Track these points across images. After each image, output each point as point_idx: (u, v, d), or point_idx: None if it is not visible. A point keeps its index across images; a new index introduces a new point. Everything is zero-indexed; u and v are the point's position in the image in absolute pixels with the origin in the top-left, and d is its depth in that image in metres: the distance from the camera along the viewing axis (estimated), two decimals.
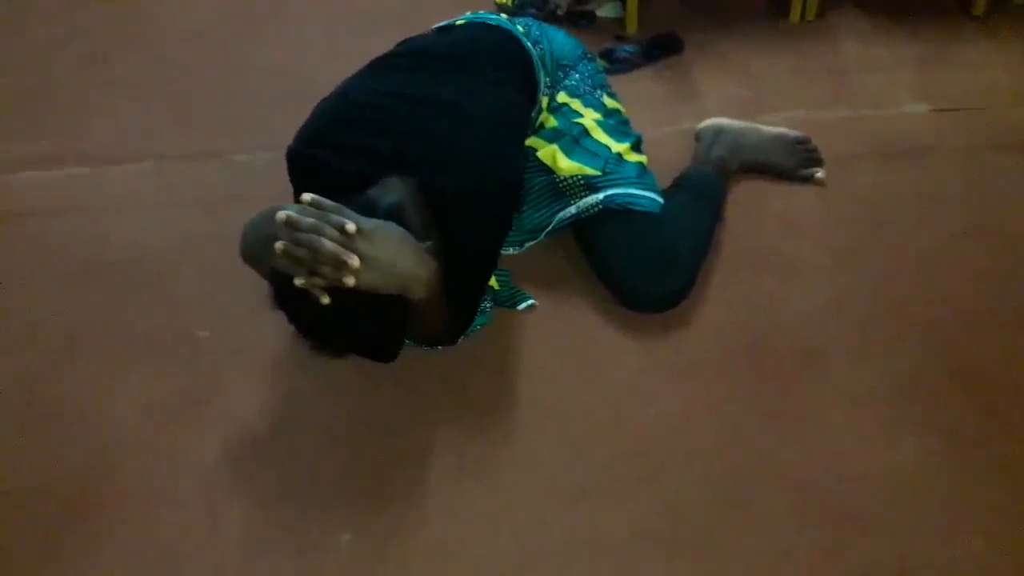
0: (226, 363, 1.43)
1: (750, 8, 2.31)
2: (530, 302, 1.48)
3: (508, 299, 1.48)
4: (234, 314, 1.49)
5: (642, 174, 1.51)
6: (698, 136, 1.76)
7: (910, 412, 1.32)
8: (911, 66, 2.08)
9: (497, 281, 1.48)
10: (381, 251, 1.06)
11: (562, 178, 1.48)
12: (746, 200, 1.70)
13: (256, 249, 1.11)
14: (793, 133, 1.75)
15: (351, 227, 1.04)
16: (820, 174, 1.72)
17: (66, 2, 2.46)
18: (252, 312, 1.45)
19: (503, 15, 1.60)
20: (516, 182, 1.35)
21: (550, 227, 1.51)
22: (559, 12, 2.24)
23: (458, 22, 1.57)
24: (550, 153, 1.49)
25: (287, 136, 1.36)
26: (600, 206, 1.45)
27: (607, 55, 2.08)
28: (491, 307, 1.45)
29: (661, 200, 1.49)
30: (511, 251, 1.55)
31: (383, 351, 1.24)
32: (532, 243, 1.54)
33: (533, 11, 2.26)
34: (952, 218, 1.65)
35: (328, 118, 1.33)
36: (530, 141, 1.53)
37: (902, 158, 1.81)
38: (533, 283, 1.53)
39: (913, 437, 1.29)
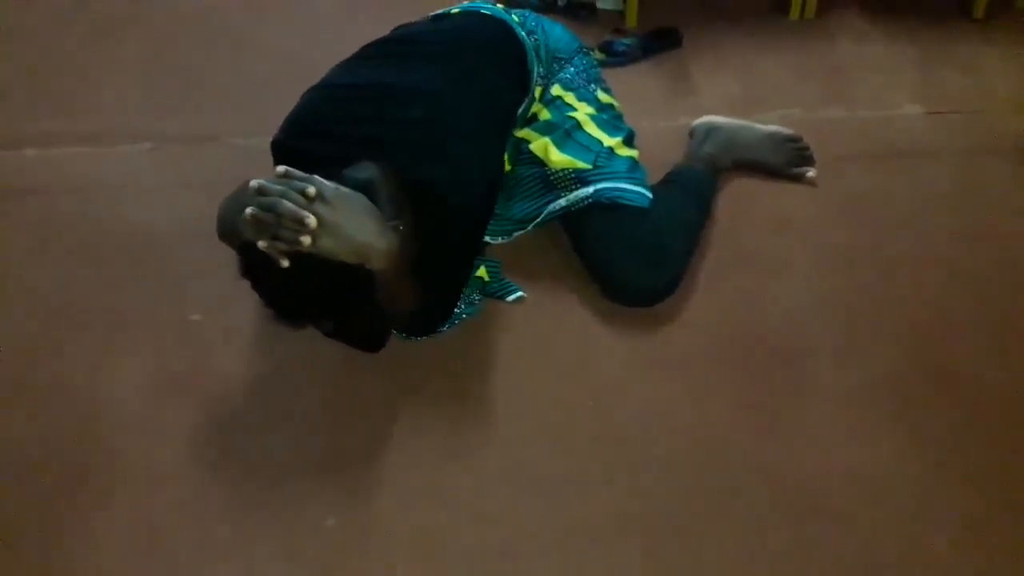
0: (216, 346, 1.45)
1: (749, 4, 2.31)
2: (519, 294, 1.50)
3: (497, 290, 1.50)
4: (226, 297, 1.51)
5: (633, 169, 1.53)
6: (691, 133, 1.78)
7: (887, 412, 1.35)
8: (909, 67, 2.09)
9: (487, 272, 1.50)
10: (340, 217, 1.09)
11: (553, 171, 1.50)
12: (737, 198, 1.72)
13: (229, 222, 1.15)
14: (786, 131, 1.76)
15: (311, 190, 1.07)
16: (811, 173, 1.73)
17: None
18: (244, 296, 1.47)
19: (499, 4, 1.61)
20: (495, 172, 1.37)
21: (539, 218, 1.52)
22: (559, 4, 2.25)
23: (453, 10, 1.58)
24: (542, 146, 1.51)
25: None
26: (590, 199, 1.47)
27: (605, 48, 2.09)
28: (479, 299, 1.47)
29: (650, 195, 1.51)
30: (499, 240, 1.56)
31: (366, 335, 1.26)
32: (520, 233, 1.56)
33: (534, 2, 2.26)
34: (942, 221, 1.67)
35: (312, 108, 1.36)
36: (523, 133, 1.54)
37: (896, 159, 1.82)
38: (522, 275, 1.55)
39: (889, 437, 1.31)
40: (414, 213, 1.23)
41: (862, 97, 1.99)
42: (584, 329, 1.47)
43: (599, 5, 2.27)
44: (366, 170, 1.19)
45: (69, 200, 1.76)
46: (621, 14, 2.24)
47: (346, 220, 1.10)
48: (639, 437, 1.31)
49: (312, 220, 1.06)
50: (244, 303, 1.48)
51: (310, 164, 1.18)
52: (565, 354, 1.43)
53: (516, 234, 1.56)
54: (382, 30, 1.61)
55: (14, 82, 2.10)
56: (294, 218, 1.06)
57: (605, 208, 1.46)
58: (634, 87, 2.00)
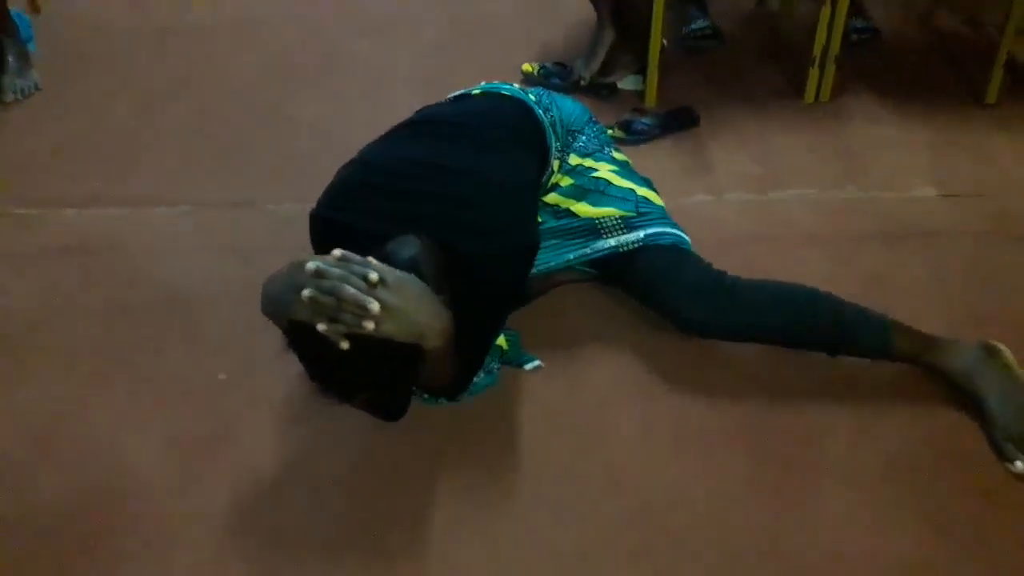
0: (242, 407, 1.48)
1: (766, 86, 2.39)
2: (536, 363, 1.54)
3: (515, 358, 1.54)
4: (253, 361, 1.55)
5: (668, 215, 1.60)
6: (977, 346, 1.46)
7: (904, 495, 1.34)
8: (922, 150, 2.13)
9: (507, 341, 1.54)
10: (402, 300, 1.14)
11: (599, 219, 1.56)
12: (751, 274, 1.74)
13: (279, 301, 1.18)
14: None
15: (374, 276, 1.12)
16: (1021, 464, 1.36)
17: (121, 56, 2.60)
18: (270, 360, 1.53)
19: (517, 84, 1.69)
20: (532, 246, 1.42)
21: (586, 255, 1.57)
22: (582, 83, 2.34)
23: (474, 91, 1.66)
24: (580, 210, 1.58)
25: (320, 190, 1.45)
26: (640, 243, 1.53)
27: (625, 126, 2.16)
28: (498, 368, 1.51)
29: (688, 239, 1.58)
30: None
31: (392, 406, 1.30)
32: (551, 267, 1.60)
33: (557, 81, 2.35)
34: (956, 305, 1.68)
35: (349, 183, 1.42)
36: (552, 198, 1.61)
37: (909, 241, 1.84)
38: (540, 343, 1.58)
39: (907, 523, 1.30)
40: (452, 287, 1.28)
41: (876, 178, 2.04)
42: (600, 400, 1.50)
43: (620, 85, 2.36)
44: (410, 246, 1.24)
45: (105, 259, 1.82)
46: (641, 94, 2.33)
47: (407, 303, 1.14)
48: (653, 514, 1.32)
49: (376, 306, 1.10)
50: (271, 367, 1.53)
51: (349, 238, 1.24)
52: (581, 426, 1.45)
53: (548, 267, 1.59)
54: (413, 106, 1.69)
55: (64, 147, 2.20)
56: (358, 303, 1.10)
57: (664, 248, 1.53)
58: (653, 164, 2.06)
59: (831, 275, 1.75)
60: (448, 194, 1.37)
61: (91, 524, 1.31)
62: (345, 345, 1.12)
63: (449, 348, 1.24)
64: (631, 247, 1.54)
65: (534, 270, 1.52)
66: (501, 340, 1.53)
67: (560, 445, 1.42)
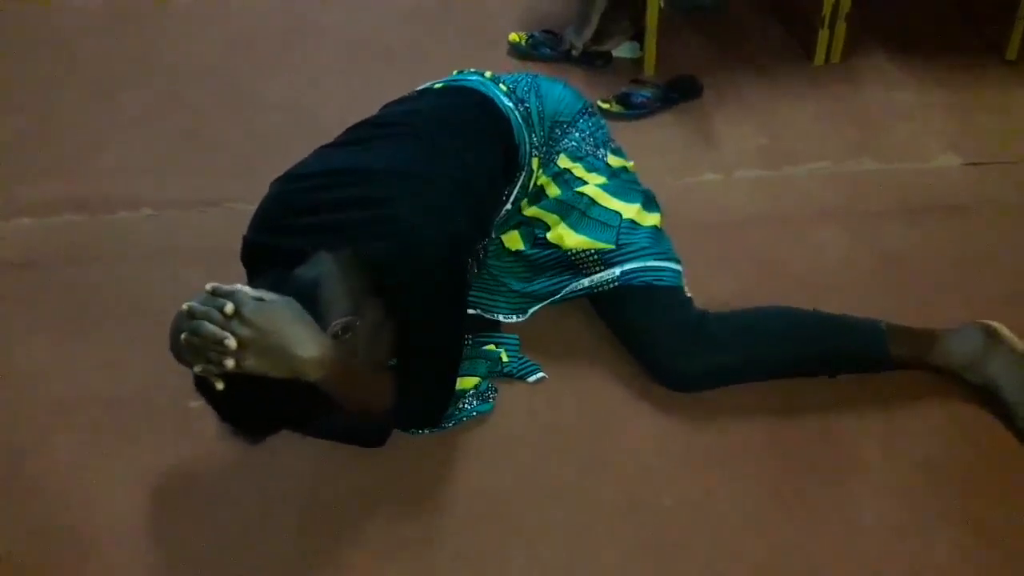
0: (215, 438, 1.35)
1: (771, 49, 2.23)
2: (540, 375, 1.41)
3: (516, 370, 1.41)
4: None
5: (658, 240, 1.44)
6: (960, 330, 1.38)
7: (941, 502, 1.24)
8: (940, 113, 2.00)
9: (506, 352, 1.41)
10: (259, 331, 1.03)
11: (574, 251, 1.41)
12: (764, 257, 1.63)
13: (172, 346, 1.09)
14: None
15: (228, 308, 1.02)
16: None
17: (69, 35, 2.41)
18: None
19: (488, 73, 1.52)
20: (454, 234, 1.24)
21: (559, 296, 1.44)
22: (574, 53, 2.17)
23: (436, 85, 1.51)
24: (557, 236, 1.43)
25: None
26: (616, 283, 1.39)
27: (623, 100, 2.01)
28: (494, 393, 1.38)
29: (680, 268, 1.41)
30: (513, 319, 1.47)
31: (368, 438, 1.21)
32: (536, 309, 1.47)
33: (547, 51, 2.20)
34: (987, 284, 1.57)
35: (274, 202, 1.31)
36: (532, 212, 1.47)
37: (933, 215, 1.72)
38: (543, 352, 1.46)
39: (949, 532, 1.21)
40: (381, 301, 1.17)
41: (893, 148, 1.90)
42: (610, 412, 1.38)
43: (616, 54, 2.20)
44: (317, 267, 1.14)
45: (64, 273, 1.69)
46: (638, 63, 2.17)
47: (265, 335, 1.03)
48: (675, 536, 1.21)
49: (231, 341, 1.01)
50: None
51: (274, 259, 1.16)
52: (591, 442, 1.34)
53: (531, 311, 1.47)
54: (387, 80, 1.53)
55: (9, 147, 2.03)
56: (215, 340, 1.01)
57: (638, 290, 1.38)
58: (655, 141, 1.92)
59: (848, 256, 1.64)
60: (367, 198, 1.24)
61: (54, 567, 1.22)
62: (220, 385, 1.04)
63: (353, 375, 1.12)
64: (606, 288, 1.39)
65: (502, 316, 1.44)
66: (503, 354, 1.41)
67: (568, 464, 1.31)
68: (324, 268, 1.13)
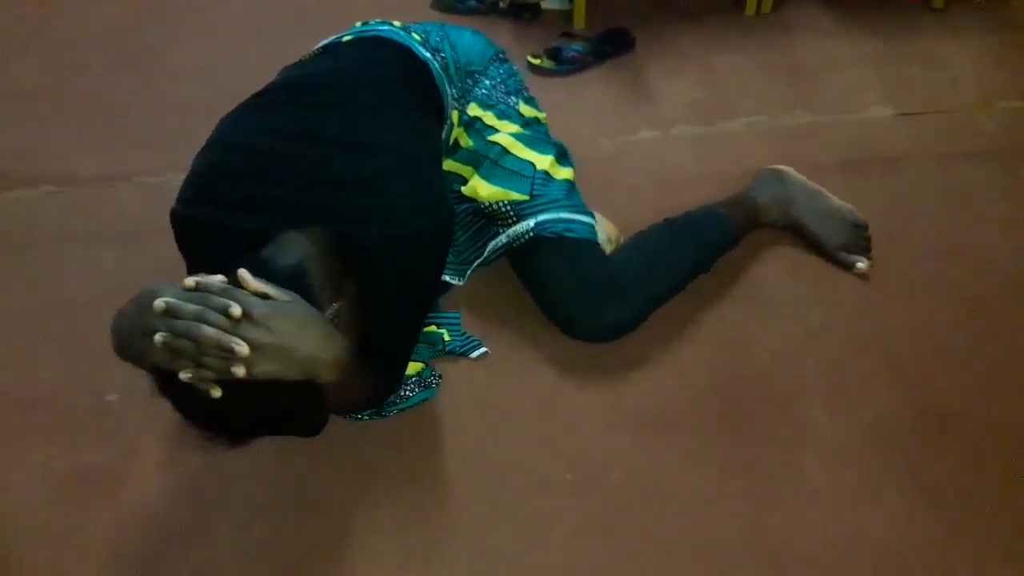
0: (138, 434, 1.27)
1: (704, 0, 2.18)
2: (482, 350, 1.36)
3: (459, 347, 1.36)
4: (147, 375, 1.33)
5: (570, 193, 1.38)
6: (756, 175, 1.56)
7: (891, 464, 1.24)
8: (873, 63, 1.99)
9: (448, 331, 1.36)
10: (276, 335, 0.91)
11: (487, 204, 1.35)
12: None
13: (130, 346, 0.94)
14: (857, 217, 1.52)
15: (236, 310, 0.89)
16: (862, 265, 1.49)
17: None
18: None
19: (397, 23, 1.41)
20: (447, 221, 1.17)
21: (482, 258, 1.38)
22: (501, 4, 2.09)
23: (344, 38, 1.37)
24: (471, 188, 1.36)
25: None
26: (531, 233, 1.33)
27: (553, 54, 1.94)
28: (438, 381, 1.32)
29: (592, 222, 1.37)
30: (456, 281, 1.41)
31: (302, 430, 1.09)
32: (470, 272, 1.42)
33: (473, 3, 2.10)
34: (925, 237, 1.57)
35: (211, 171, 1.13)
36: (448, 165, 1.39)
37: (870, 168, 1.72)
38: (484, 326, 1.40)
39: (896, 493, 1.21)
40: (355, 284, 1.06)
41: (828, 99, 1.89)
42: (557, 385, 1.33)
43: (544, 5, 2.12)
44: (293, 250, 1.01)
45: None
46: (568, 15, 2.09)
47: (283, 337, 0.91)
48: (625, 515, 1.18)
49: (243, 348, 0.89)
50: None
51: (219, 240, 1.01)
52: (538, 418, 1.29)
53: (469, 273, 1.41)
54: (302, 41, 1.42)
55: None
56: (221, 347, 0.88)
57: (550, 242, 1.32)
58: (588, 98, 1.86)
59: None
60: (336, 172, 1.10)
61: None
62: (217, 393, 0.91)
63: (352, 371, 1.03)
64: (522, 240, 1.34)
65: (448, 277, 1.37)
66: (445, 334, 1.35)
67: (515, 444, 1.26)
68: (302, 251, 1.01)
